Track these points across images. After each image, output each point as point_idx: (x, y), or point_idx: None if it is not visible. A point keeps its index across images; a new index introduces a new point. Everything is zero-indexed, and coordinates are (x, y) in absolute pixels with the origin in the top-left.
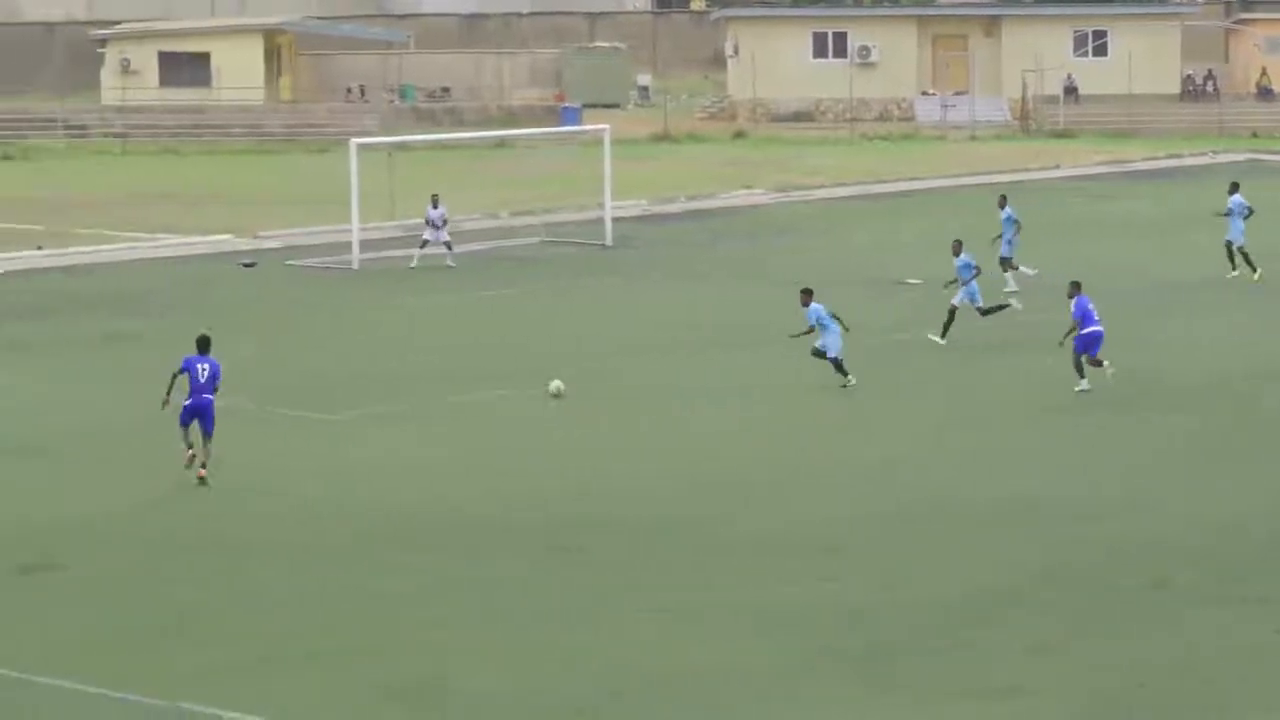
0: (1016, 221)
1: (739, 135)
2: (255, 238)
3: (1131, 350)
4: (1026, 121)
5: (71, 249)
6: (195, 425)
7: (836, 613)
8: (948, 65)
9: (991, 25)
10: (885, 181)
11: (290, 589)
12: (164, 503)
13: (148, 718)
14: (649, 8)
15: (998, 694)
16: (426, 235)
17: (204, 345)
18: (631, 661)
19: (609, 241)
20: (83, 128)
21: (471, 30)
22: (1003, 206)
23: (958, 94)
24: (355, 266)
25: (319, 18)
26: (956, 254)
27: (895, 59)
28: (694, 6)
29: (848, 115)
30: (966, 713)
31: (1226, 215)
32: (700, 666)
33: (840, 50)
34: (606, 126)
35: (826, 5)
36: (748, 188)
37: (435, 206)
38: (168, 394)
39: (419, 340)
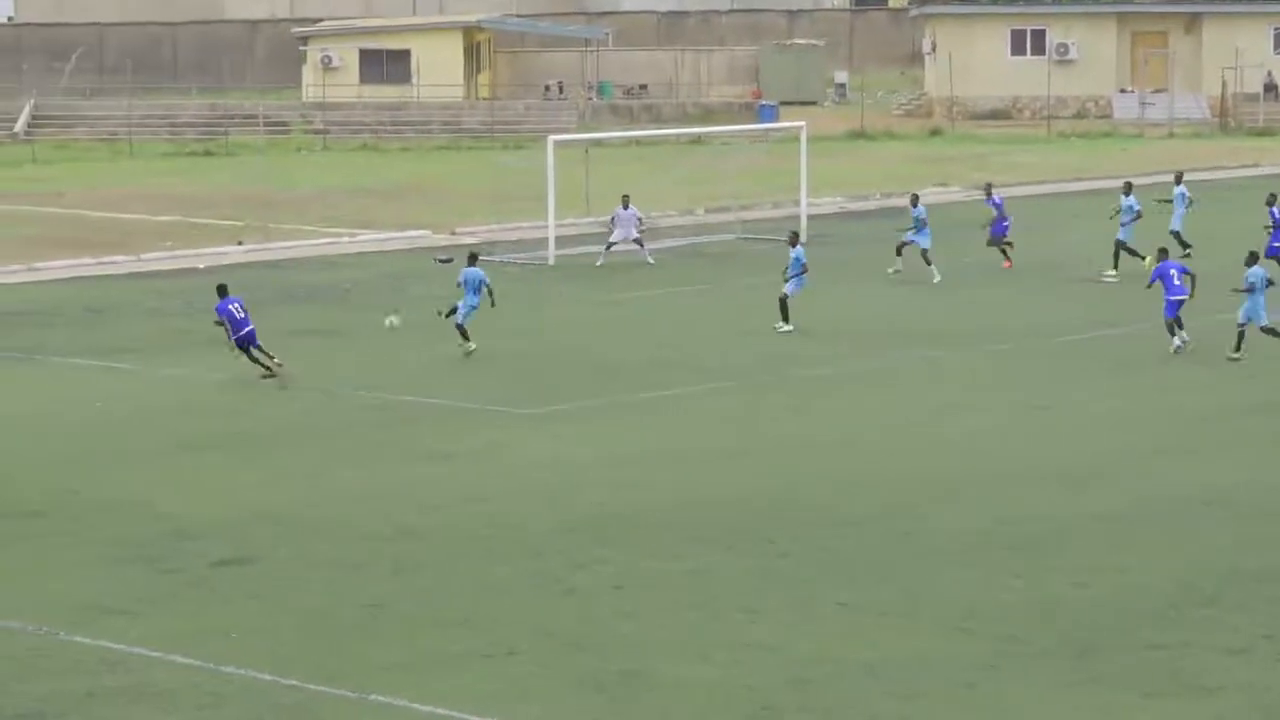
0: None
1: (935, 133)
2: (452, 233)
3: None
4: (1225, 119)
5: (272, 244)
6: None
7: (1027, 609)
8: (1147, 62)
9: (1192, 22)
10: (1082, 179)
11: (486, 582)
12: (356, 495)
13: (338, 710)
14: (847, 5)
15: (1192, 694)
16: (614, 237)
17: (223, 290)
18: (820, 653)
19: (804, 238)
20: (284, 124)
21: (670, 27)
22: (915, 205)
23: (1156, 91)
24: (551, 262)
25: (518, 15)
26: (793, 245)
27: (1094, 56)
28: (892, 4)
29: (1045, 113)
30: (1156, 711)
31: (1127, 221)
32: (887, 658)
33: (1038, 47)
34: (803, 123)
35: (1025, 3)
36: (943, 185)
37: (626, 207)
38: (228, 342)
39: (615, 335)
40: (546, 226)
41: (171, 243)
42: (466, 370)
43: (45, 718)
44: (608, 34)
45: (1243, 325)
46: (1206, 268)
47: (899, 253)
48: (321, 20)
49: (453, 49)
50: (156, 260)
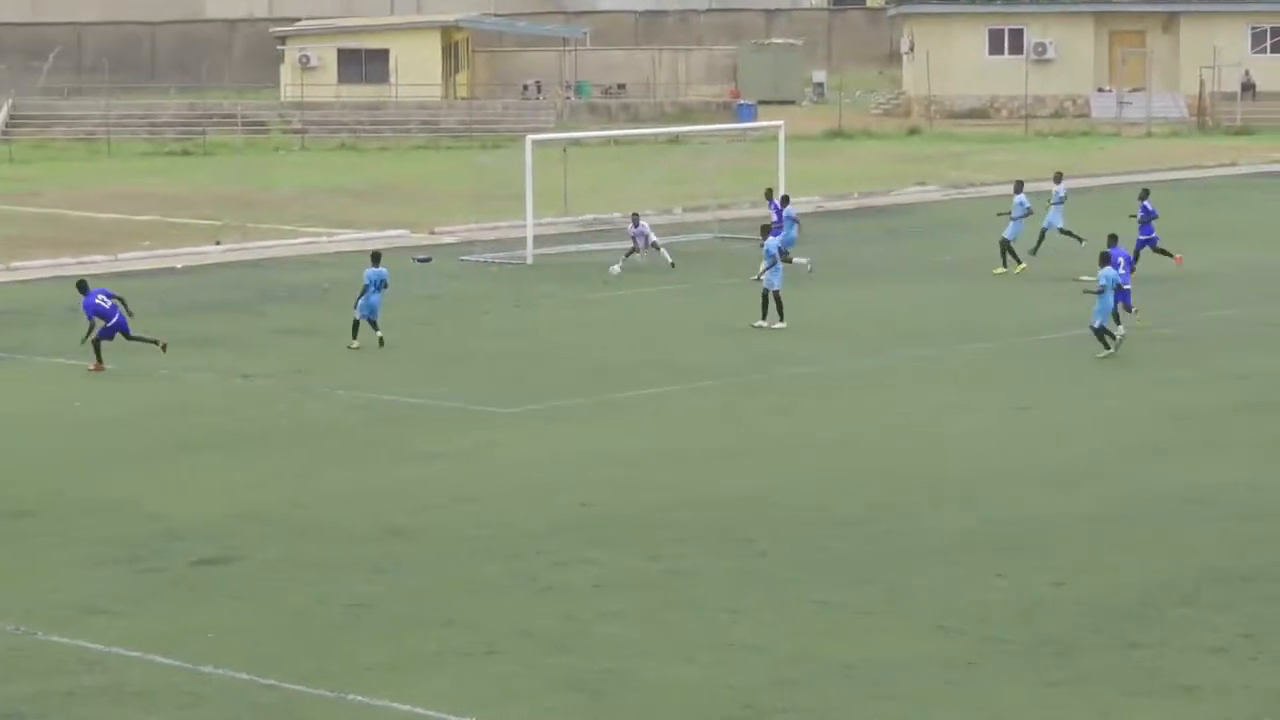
0: (795, 220)
1: (913, 132)
2: (431, 233)
3: None
4: (1203, 118)
5: (250, 243)
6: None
7: (1009, 608)
8: (1124, 61)
9: (1169, 21)
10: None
11: (469, 582)
12: (344, 495)
13: (316, 710)
14: (825, 4)
15: (1170, 693)
16: (654, 240)
17: (84, 286)
18: (802, 653)
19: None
20: (262, 124)
21: (648, 26)
22: (784, 205)
23: (1134, 90)
24: (529, 262)
25: (496, 15)
26: (764, 237)
27: (1071, 55)
28: (870, 3)
29: (1023, 112)
30: (1136, 710)
31: (1018, 216)
32: (869, 658)
33: (1016, 47)
34: (781, 123)
35: (1003, 2)
36: (921, 184)
37: (636, 225)
38: (88, 334)
39: (596, 335)
40: (525, 226)
41: (150, 242)
42: (449, 370)
43: (25, 718)
44: (586, 33)
45: (1104, 324)
46: (1192, 265)
47: (788, 259)
48: (300, 20)
49: (431, 49)
50: (134, 260)
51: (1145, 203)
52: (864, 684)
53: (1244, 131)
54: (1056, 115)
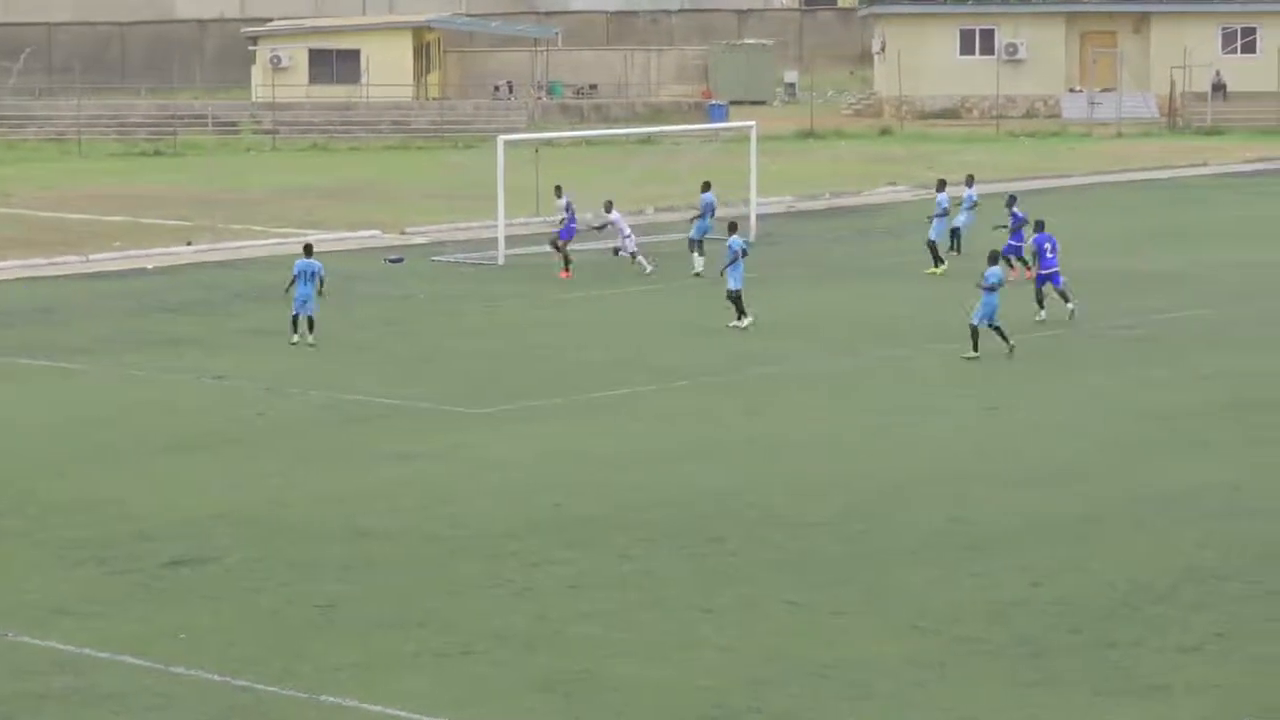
0: (713, 206)
1: (885, 132)
2: (402, 233)
3: None
4: (1174, 118)
5: (221, 244)
6: None
7: (982, 608)
8: (1095, 62)
9: (1140, 21)
10: (1031, 178)
11: (442, 582)
12: (319, 496)
13: (288, 711)
14: (797, 5)
15: (1143, 693)
16: (631, 246)
17: None
18: (774, 653)
19: (753, 238)
20: (233, 124)
21: (620, 27)
22: (706, 190)
23: (1105, 91)
24: (501, 262)
25: (468, 15)
26: (733, 231)
27: (1043, 56)
28: (841, 3)
29: (994, 112)
30: (1107, 709)
31: (938, 215)
32: (841, 658)
33: (988, 47)
34: (753, 123)
35: (975, 2)
36: (893, 184)
37: (609, 210)
38: None
39: (568, 335)
40: (497, 226)
41: (121, 243)
42: (423, 370)
43: None
44: (557, 33)
45: (978, 324)
46: (1164, 266)
47: (700, 251)
48: (271, 20)
49: (402, 49)
50: (106, 260)
51: (1014, 209)
52: (837, 684)
53: (1214, 131)
54: (1028, 115)
